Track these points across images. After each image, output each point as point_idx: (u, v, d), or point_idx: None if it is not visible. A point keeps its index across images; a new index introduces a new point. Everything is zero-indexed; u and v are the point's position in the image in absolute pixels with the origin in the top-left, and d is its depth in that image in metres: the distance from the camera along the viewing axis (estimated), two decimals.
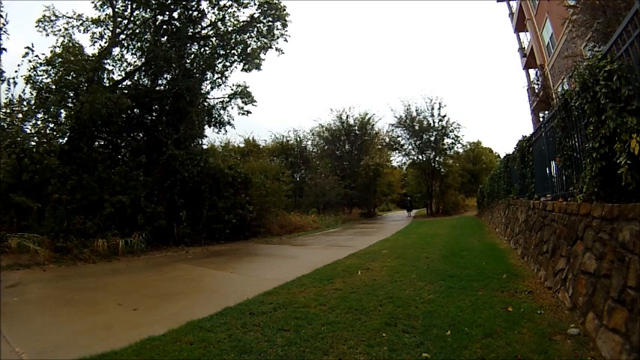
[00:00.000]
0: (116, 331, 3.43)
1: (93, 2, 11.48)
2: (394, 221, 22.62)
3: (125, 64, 11.79)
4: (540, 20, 15.86)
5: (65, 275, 6.36)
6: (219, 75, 12.89)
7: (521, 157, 7.73)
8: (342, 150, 29.24)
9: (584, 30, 8.33)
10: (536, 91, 16.46)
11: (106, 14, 11.56)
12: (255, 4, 12.66)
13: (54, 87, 9.49)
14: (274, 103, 74.12)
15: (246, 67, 13.20)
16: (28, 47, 9.27)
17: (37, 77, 9.41)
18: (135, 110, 11.19)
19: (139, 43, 11.62)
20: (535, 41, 17.00)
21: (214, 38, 12.66)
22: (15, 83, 8.71)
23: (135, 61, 11.78)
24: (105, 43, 11.35)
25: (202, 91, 12.51)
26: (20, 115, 8.85)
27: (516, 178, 8.51)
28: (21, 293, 4.92)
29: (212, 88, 12.96)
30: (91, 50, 11.24)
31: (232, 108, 14.29)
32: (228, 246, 10.67)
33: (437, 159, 27.14)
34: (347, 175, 27.54)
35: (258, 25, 12.98)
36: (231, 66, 13.01)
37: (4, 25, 7.85)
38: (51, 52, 9.87)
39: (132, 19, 11.47)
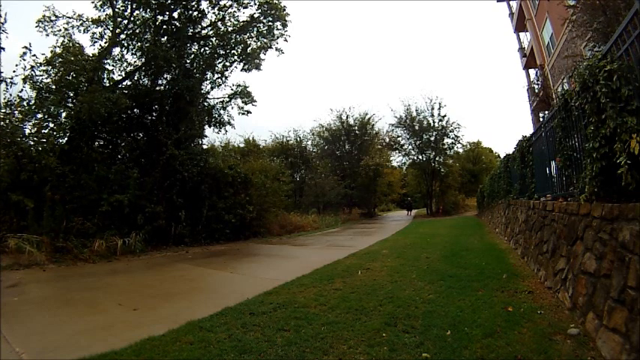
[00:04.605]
0: (116, 331, 3.42)
1: (93, 2, 11.50)
2: (394, 221, 22.62)
3: (125, 64, 11.82)
4: (540, 20, 15.85)
5: (65, 275, 6.36)
6: (219, 75, 12.94)
7: (521, 157, 7.73)
8: (342, 150, 29.23)
9: (584, 30, 8.33)
10: (536, 91, 16.45)
11: (106, 14, 11.57)
12: (255, 4, 12.68)
13: (54, 87, 9.46)
14: (274, 103, 74.27)
15: (246, 67, 13.24)
16: (25, 47, 9.26)
17: (37, 77, 9.38)
18: (135, 110, 11.19)
19: (139, 43, 11.62)
20: (535, 41, 17.00)
21: (214, 38, 12.67)
22: (13, 83, 8.69)
23: (135, 61, 11.80)
24: (105, 43, 11.35)
25: (202, 91, 12.53)
26: (20, 115, 8.83)
27: (516, 178, 8.51)
28: (21, 293, 4.92)
29: (212, 88, 13.03)
30: (91, 50, 11.25)
31: (232, 108, 14.37)
32: (228, 246, 10.67)
33: (437, 159, 27.19)
34: (347, 175, 27.54)
35: (258, 25, 13.01)
36: (231, 66, 13.06)
37: (2, 23, 7.82)
38: (51, 52, 9.84)
39: (132, 19, 11.47)
